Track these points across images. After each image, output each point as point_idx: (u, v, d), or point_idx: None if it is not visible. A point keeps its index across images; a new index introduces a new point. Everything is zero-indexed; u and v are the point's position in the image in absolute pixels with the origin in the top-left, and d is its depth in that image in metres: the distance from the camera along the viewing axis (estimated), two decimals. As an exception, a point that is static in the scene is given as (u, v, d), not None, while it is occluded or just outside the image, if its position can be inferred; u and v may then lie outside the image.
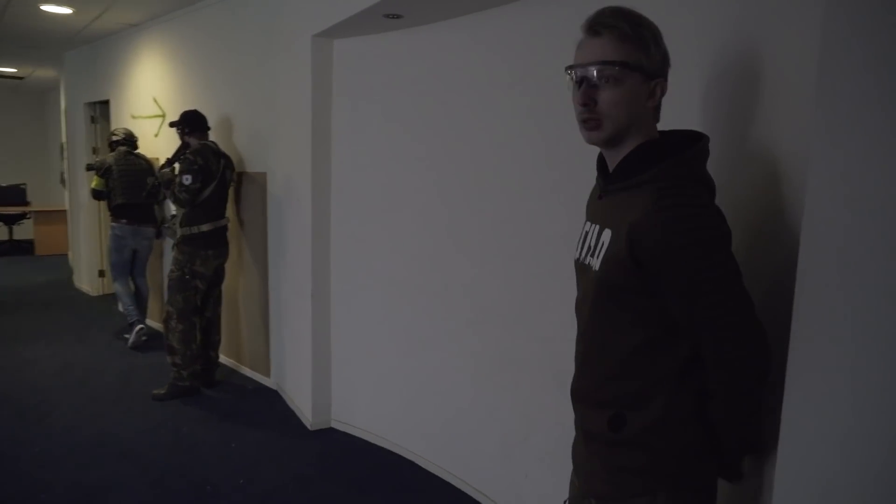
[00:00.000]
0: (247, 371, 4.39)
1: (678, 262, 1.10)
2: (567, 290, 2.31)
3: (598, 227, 1.26)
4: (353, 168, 3.34)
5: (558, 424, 2.40)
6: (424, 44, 2.94)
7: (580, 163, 2.21)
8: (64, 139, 7.85)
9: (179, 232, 3.93)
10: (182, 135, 4.06)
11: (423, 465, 3.11)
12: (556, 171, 2.36)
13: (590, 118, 1.18)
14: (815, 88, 0.98)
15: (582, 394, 1.36)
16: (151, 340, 5.03)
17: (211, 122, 4.14)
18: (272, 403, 3.90)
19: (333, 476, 3.03)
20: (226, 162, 4.04)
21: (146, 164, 5.09)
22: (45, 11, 4.93)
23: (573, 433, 2.30)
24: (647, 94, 1.18)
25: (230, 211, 4.31)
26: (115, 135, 5.14)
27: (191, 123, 4.03)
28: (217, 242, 4.01)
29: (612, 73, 1.14)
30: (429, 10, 2.73)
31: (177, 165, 3.98)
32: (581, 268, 1.34)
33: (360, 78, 3.26)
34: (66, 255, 9.26)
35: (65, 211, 8.89)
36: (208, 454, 3.23)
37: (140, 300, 5.25)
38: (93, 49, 6.32)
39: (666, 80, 1.21)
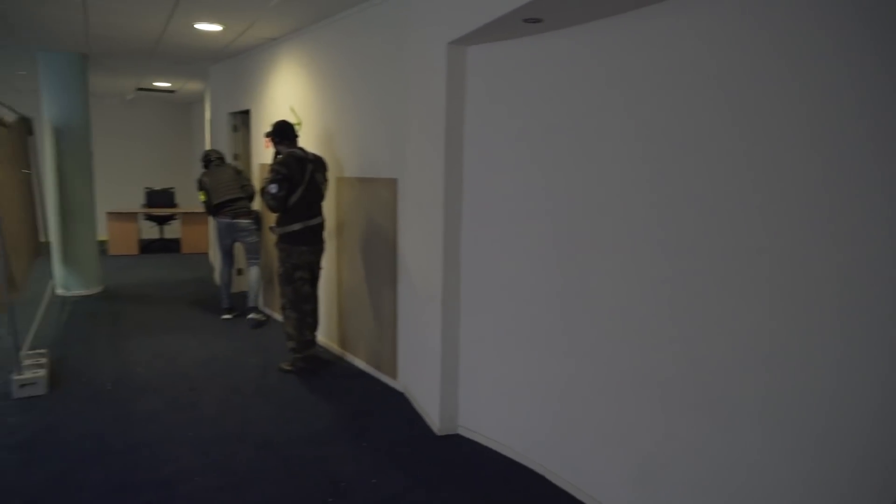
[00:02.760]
0: (375, 372, 4.51)
1: None
2: (725, 306, 2.17)
3: None
4: (486, 175, 3.33)
5: (703, 453, 2.25)
6: (563, 48, 2.87)
7: (725, 168, 2.07)
8: (208, 147, 8.49)
9: (277, 231, 4.36)
10: (274, 144, 4.46)
11: (552, 480, 3.04)
12: (700, 177, 2.22)
13: None
14: None
15: None
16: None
17: (339, 129, 4.34)
18: (400, 406, 3.97)
19: (460, 483, 3.03)
20: (314, 166, 4.35)
21: (232, 170, 5.96)
22: (198, 30, 5.35)
23: (722, 463, 2.16)
24: None
25: (360, 213, 4.46)
26: (208, 156, 6.08)
27: (279, 133, 4.41)
28: (309, 239, 4.38)
29: None
30: (570, 14, 2.66)
31: None
32: None
33: (494, 84, 3.24)
34: (206, 253, 10.03)
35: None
36: (341, 451, 3.34)
37: (251, 285, 5.99)
38: (235, 62, 6.78)
39: None
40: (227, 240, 5.88)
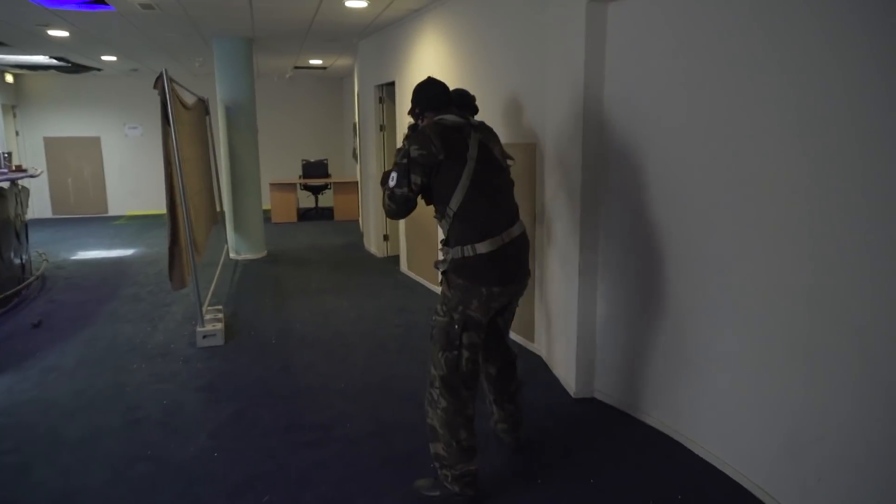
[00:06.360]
0: (513, 335, 4.59)
1: None
2: (887, 269, 1.98)
3: None
4: (629, 139, 3.24)
5: (861, 427, 2.10)
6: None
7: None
8: (356, 119, 8.96)
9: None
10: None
11: (690, 448, 2.97)
12: None
13: None
14: None
15: None
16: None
17: (479, 96, 4.29)
18: (536, 368, 4.04)
19: (593, 445, 3.05)
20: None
21: None
22: (348, 7, 5.63)
23: (880, 438, 2.00)
24: None
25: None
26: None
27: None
28: None
29: None
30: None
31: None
32: None
33: (637, 43, 3.13)
34: (356, 220, 10.66)
35: (356, 182, 10.20)
36: (479, 407, 3.46)
37: None
38: (381, 36, 7.05)
39: None
40: None
